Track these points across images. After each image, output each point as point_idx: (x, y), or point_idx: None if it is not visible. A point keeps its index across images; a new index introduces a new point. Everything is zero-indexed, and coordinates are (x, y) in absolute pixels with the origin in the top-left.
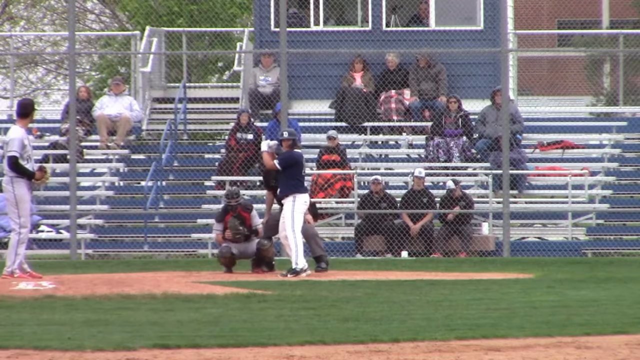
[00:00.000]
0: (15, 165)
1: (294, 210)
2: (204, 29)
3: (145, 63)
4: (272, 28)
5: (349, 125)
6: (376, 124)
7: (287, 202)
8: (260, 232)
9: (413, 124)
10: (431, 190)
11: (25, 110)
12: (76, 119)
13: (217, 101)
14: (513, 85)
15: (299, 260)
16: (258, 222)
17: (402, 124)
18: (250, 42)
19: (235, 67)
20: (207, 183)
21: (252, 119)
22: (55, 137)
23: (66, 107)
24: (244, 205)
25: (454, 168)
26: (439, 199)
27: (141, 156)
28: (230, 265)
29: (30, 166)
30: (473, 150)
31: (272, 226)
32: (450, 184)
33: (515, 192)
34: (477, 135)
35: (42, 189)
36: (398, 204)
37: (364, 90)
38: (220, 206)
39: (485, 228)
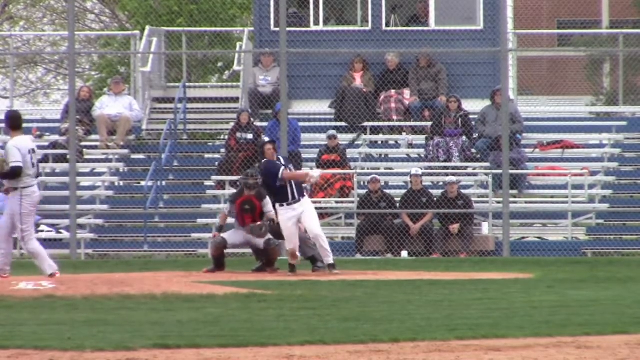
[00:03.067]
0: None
1: (282, 226)
2: (204, 28)
3: (145, 63)
4: (272, 28)
5: (349, 125)
6: (376, 123)
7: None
8: (271, 217)
9: (413, 123)
10: (431, 190)
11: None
12: (76, 118)
13: (217, 101)
14: (513, 85)
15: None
16: (270, 209)
17: (402, 123)
18: (250, 42)
19: (235, 67)
20: (207, 183)
21: (252, 119)
22: (55, 137)
23: (66, 107)
24: (258, 193)
25: (454, 168)
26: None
27: (141, 156)
28: (220, 259)
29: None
30: (473, 150)
31: (277, 232)
32: (451, 178)
33: (515, 192)
34: (477, 135)
35: (41, 188)
36: (398, 204)
37: (364, 90)
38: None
39: (485, 228)
